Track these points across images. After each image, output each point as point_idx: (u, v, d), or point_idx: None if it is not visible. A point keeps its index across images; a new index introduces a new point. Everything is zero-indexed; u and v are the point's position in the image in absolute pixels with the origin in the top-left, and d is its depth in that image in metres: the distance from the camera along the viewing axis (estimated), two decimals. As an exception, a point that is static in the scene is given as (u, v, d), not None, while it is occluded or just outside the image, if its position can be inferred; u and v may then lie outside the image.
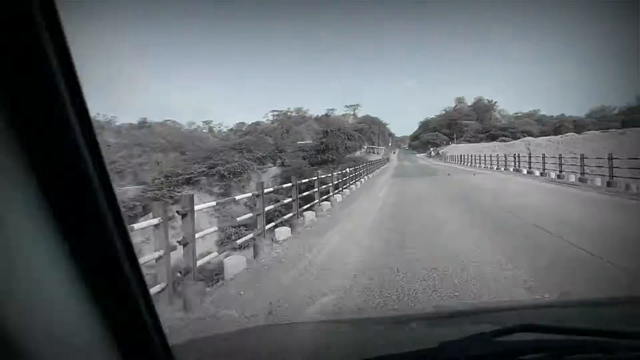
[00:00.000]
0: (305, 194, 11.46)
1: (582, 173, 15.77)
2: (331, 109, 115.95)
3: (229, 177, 62.71)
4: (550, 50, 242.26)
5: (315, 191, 11.64)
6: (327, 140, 64.99)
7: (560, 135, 60.50)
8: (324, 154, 64.44)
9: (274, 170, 68.57)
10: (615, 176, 13.73)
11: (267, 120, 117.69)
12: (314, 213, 10.17)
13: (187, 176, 61.18)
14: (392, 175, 28.26)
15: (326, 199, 12.90)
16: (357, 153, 70.76)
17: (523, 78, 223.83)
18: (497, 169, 27.71)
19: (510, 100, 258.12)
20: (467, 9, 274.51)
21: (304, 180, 12.23)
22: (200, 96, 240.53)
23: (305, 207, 10.54)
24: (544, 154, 20.39)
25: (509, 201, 11.16)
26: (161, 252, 4.19)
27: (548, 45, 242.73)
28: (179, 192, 58.23)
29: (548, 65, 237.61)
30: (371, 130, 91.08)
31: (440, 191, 15.60)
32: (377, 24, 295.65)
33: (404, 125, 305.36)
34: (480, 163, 34.51)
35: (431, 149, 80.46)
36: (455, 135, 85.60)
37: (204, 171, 63.37)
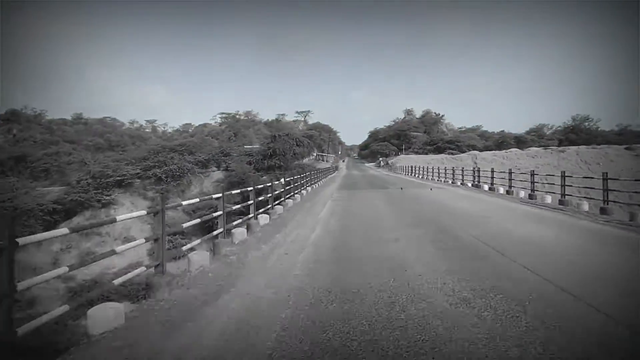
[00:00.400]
0: (193, 222, 7.45)
1: (563, 195, 13.01)
2: (282, 114, 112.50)
3: (166, 181, 56.77)
4: (494, 70, 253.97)
5: (220, 214, 7.62)
6: (274, 145, 60.99)
7: (504, 151, 60.53)
8: (271, 160, 60.33)
9: (218, 174, 63.37)
10: (608, 200, 11.04)
11: (216, 122, 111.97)
12: (207, 255, 6.12)
13: (119, 178, 54.48)
14: (340, 186, 24.82)
15: (246, 221, 8.97)
16: (306, 160, 67.33)
17: (468, 95, 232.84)
18: (452, 182, 25.09)
19: (455, 115, 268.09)
20: (418, 24, 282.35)
21: (193, 200, 8.18)
22: (148, 95, 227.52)
23: (192, 243, 6.52)
24: (510, 170, 17.67)
25: (498, 235, 7.84)
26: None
27: (492, 66, 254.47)
28: (108, 195, 51.89)
29: (491, 84, 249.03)
30: (321, 138, 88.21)
31: (398, 212, 12.17)
32: (330, 33, 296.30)
33: (354, 134, 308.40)
34: (432, 175, 32.00)
35: (380, 158, 78.70)
36: (403, 146, 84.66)
37: (138, 173, 57.05)
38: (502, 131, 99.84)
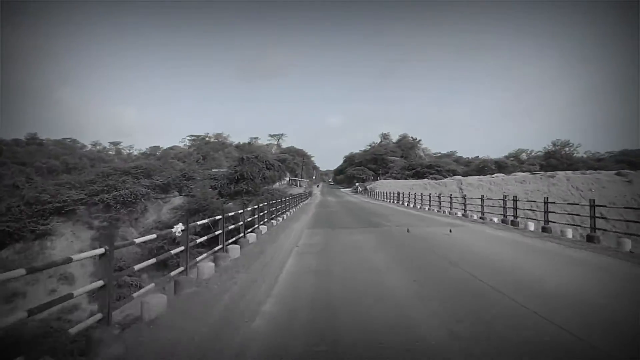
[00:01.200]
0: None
1: None
2: (255, 138, 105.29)
3: (116, 208, 47.98)
4: (467, 97, 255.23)
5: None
6: (242, 168, 53.31)
7: (490, 176, 54.99)
8: (238, 184, 52.46)
9: (179, 200, 54.77)
10: None
11: (185, 145, 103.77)
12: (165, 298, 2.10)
13: (58, 204, 45.43)
14: (313, 220, 17.50)
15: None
16: (277, 185, 59.85)
17: (442, 120, 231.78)
18: (463, 215, 18.17)
19: (429, 141, 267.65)
20: (390, 51, 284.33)
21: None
22: (118, 117, 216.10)
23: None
24: (596, 201, 10.75)
25: None
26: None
27: (466, 92, 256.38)
28: (44, 224, 42.82)
29: (465, 110, 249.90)
30: (295, 162, 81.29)
31: (443, 305, 4.91)
32: (306, 57, 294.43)
33: (329, 159, 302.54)
34: (426, 204, 25.09)
35: (357, 184, 71.91)
36: (381, 171, 78.65)
37: (82, 199, 48.18)
38: (477, 157, 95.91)
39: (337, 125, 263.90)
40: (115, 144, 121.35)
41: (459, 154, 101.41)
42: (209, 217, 8.77)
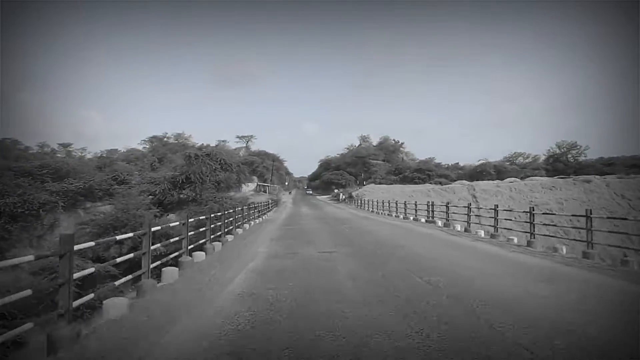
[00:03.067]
0: None
1: None
2: (223, 141, 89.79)
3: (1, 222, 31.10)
4: (446, 103, 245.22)
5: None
6: (190, 169, 38.42)
7: (508, 180, 41.96)
8: (183, 190, 37.41)
9: (104, 210, 37.90)
10: None
11: (144, 147, 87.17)
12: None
13: None
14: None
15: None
16: (240, 190, 44.97)
17: (419, 127, 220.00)
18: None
19: (407, 147, 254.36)
20: (368, 59, 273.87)
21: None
22: (82, 121, 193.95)
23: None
24: None
25: None
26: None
27: (444, 98, 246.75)
28: None
29: (444, 115, 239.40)
30: (264, 165, 66.36)
31: None
32: (280, 62, 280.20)
33: (303, 166, 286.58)
34: (474, 221, 11.28)
35: (337, 190, 57.59)
36: (363, 175, 64.91)
37: (-50, 210, 31.28)
38: (457, 163, 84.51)
39: (312, 131, 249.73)
40: (65, 145, 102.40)
41: (437, 160, 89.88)
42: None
